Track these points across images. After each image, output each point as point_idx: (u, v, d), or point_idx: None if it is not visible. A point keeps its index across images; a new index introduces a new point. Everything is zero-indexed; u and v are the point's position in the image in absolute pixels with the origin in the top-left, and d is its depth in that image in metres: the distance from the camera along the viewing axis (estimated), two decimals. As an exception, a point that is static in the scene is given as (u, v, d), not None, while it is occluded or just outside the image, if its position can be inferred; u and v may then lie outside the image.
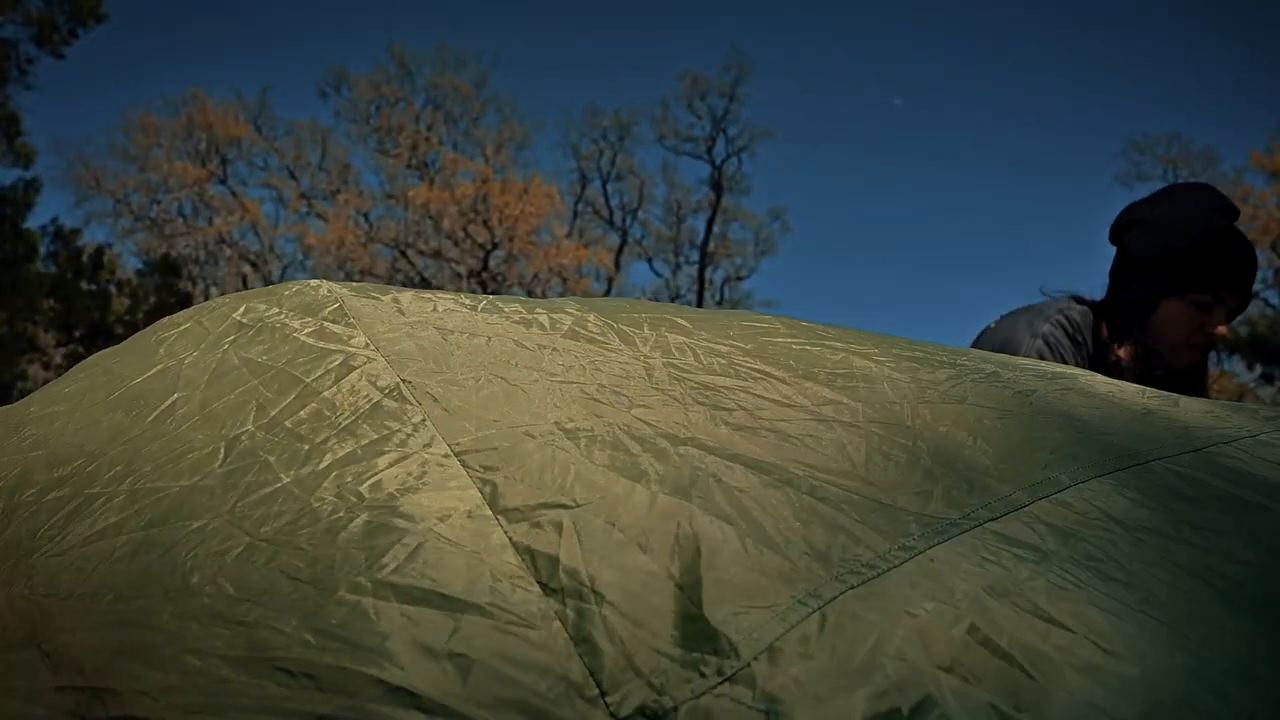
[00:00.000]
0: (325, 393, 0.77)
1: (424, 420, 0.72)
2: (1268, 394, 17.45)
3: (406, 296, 0.93)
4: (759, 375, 0.80)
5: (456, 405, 0.73)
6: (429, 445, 0.69)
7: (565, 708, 0.51)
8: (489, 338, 0.85)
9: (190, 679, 0.54)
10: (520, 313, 0.91)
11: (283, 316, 0.90)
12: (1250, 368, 17.73)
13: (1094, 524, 0.65)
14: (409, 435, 0.70)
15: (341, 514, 0.62)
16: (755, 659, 0.53)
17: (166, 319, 0.97)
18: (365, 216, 19.79)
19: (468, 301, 0.94)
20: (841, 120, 30.97)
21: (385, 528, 0.61)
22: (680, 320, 0.92)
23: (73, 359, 15.57)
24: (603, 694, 0.52)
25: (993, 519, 0.64)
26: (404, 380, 0.77)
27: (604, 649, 0.54)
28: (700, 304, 20.06)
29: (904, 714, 0.51)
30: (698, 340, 0.87)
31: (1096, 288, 2.01)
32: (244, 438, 0.72)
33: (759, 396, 0.77)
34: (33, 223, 15.62)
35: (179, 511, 0.65)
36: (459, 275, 18.85)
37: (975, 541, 0.62)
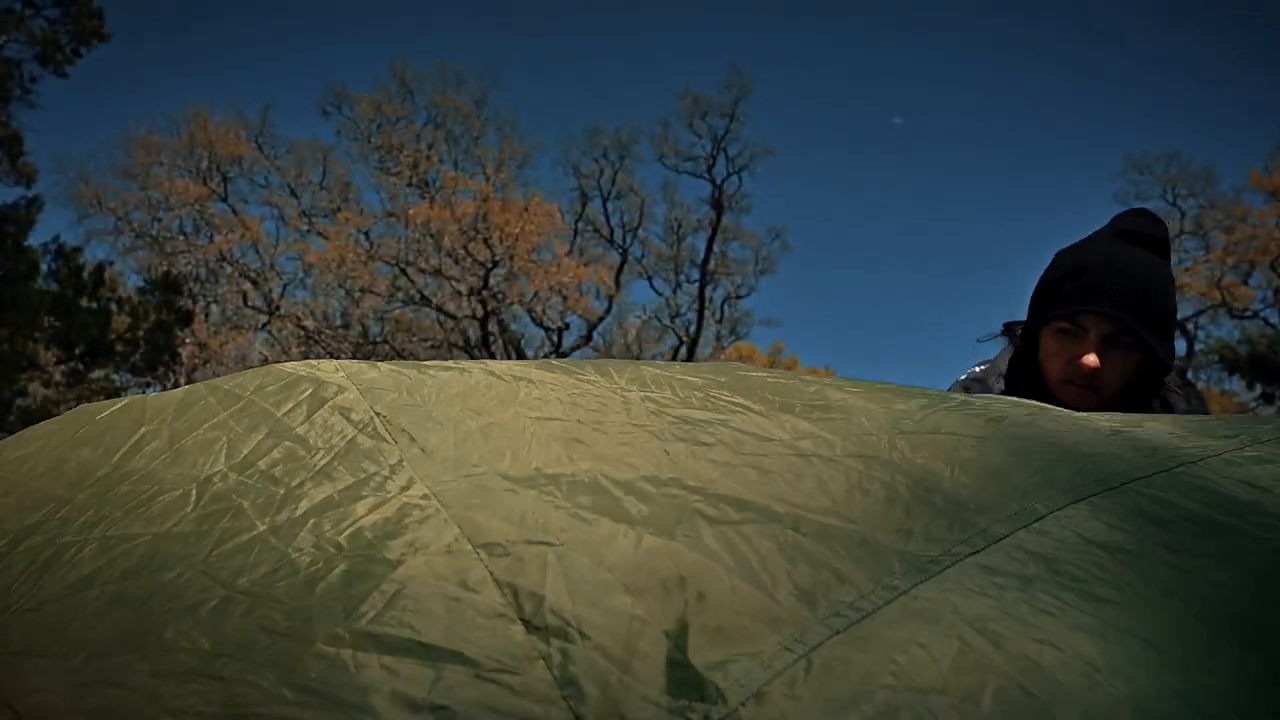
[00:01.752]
0: (298, 429, 0.75)
1: (401, 461, 0.70)
2: (1268, 414, 17.35)
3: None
4: (737, 408, 0.80)
5: (434, 445, 0.72)
6: (407, 488, 0.68)
7: (550, 756, 0.50)
8: (462, 369, 0.84)
9: (164, 741, 0.52)
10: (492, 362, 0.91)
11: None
12: (1250, 387, 17.59)
13: (1074, 548, 0.65)
14: (386, 478, 0.69)
15: (320, 565, 0.61)
16: (743, 704, 0.52)
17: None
18: (366, 234, 19.78)
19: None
20: (842, 139, 31.11)
21: (364, 575, 0.60)
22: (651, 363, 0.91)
23: (73, 376, 15.55)
24: (588, 739, 0.51)
25: (973, 553, 0.64)
26: (378, 414, 0.76)
27: (590, 693, 0.53)
28: (700, 321, 20.06)
29: None
30: (672, 373, 0.86)
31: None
32: (216, 479, 0.70)
33: (737, 430, 0.76)
34: (34, 240, 15.60)
35: (151, 562, 0.64)
36: (459, 293, 18.83)
37: (958, 576, 0.62)
